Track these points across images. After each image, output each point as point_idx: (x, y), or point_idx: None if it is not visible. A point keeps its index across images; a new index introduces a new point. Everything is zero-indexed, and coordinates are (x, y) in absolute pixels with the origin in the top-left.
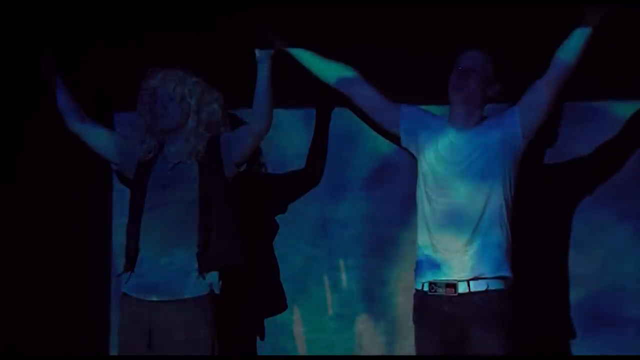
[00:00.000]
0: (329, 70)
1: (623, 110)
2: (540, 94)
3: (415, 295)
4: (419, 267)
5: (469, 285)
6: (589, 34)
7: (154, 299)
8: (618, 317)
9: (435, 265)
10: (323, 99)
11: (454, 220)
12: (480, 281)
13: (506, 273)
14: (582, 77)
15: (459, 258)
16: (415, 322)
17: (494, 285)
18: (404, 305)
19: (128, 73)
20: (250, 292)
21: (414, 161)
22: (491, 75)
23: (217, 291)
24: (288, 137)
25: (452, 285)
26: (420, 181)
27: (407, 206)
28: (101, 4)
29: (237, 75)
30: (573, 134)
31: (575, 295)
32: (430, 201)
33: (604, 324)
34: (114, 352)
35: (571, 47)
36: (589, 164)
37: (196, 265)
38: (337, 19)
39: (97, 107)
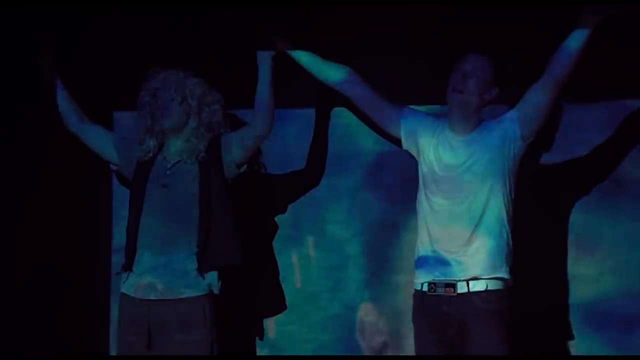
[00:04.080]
0: (329, 73)
1: (622, 110)
2: (538, 96)
3: (414, 295)
4: (418, 267)
5: (468, 285)
6: (587, 35)
7: (153, 298)
8: (619, 316)
9: (435, 266)
10: (323, 100)
11: (453, 221)
12: (479, 281)
13: (505, 274)
14: (581, 77)
15: (458, 259)
16: (414, 321)
17: (493, 286)
18: (403, 305)
19: (128, 73)
20: (249, 292)
21: (414, 162)
22: (490, 80)
23: (216, 291)
24: (288, 137)
25: (452, 286)
26: (420, 183)
27: (408, 207)
28: (101, 3)
29: (238, 76)
30: (572, 134)
31: (575, 295)
32: (430, 202)
33: (604, 323)
34: (114, 352)
35: (569, 49)
36: (588, 164)
37: (195, 265)
38: (337, 20)
39: (97, 107)
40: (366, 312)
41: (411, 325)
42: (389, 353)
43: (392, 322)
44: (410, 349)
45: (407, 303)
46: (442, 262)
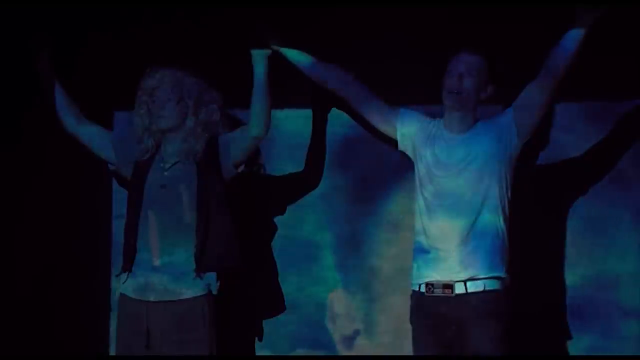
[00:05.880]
0: (323, 73)
1: (618, 110)
2: (534, 96)
3: (412, 296)
4: (416, 268)
5: (466, 285)
6: (582, 35)
7: (152, 299)
8: (617, 315)
9: (432, 266)
10: (320, 101)
11: (450, 221)
12: (477, 282)
13: (502, 273)
14: (577, 77)
15: (455, 259)
16: (412, 323)
17: (491, 286)
18: (402, 306)
19: (128, 73)
20: (248, 293)
21: (411, 163)
22: (485, 79)
23: (214, 292)
24: (288, 137)
25: (449, 286)
26: (417, 183)
27: (405, 207)
28: (101, 3)
29: (236, 75)
30: (569, 134)
31: (573, 294)
32: (427, 203)
33: (602, 322)
34: (114, 352)
35: (564, 49)
36: (584, 163)
37: (194, 266)
38: (334, 20)
39: (97, 107)
40: (337, 299)
41: (385, 311)
42: (362, 340)
43: (364, 309)
44: (410, 349)
45: (380, 289)
46: (440, 263)
